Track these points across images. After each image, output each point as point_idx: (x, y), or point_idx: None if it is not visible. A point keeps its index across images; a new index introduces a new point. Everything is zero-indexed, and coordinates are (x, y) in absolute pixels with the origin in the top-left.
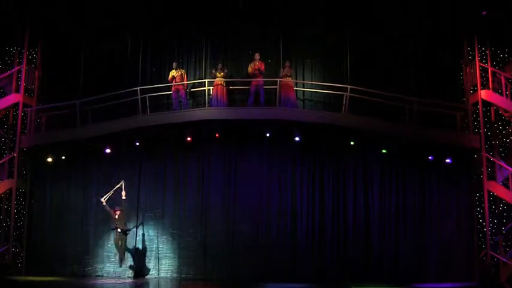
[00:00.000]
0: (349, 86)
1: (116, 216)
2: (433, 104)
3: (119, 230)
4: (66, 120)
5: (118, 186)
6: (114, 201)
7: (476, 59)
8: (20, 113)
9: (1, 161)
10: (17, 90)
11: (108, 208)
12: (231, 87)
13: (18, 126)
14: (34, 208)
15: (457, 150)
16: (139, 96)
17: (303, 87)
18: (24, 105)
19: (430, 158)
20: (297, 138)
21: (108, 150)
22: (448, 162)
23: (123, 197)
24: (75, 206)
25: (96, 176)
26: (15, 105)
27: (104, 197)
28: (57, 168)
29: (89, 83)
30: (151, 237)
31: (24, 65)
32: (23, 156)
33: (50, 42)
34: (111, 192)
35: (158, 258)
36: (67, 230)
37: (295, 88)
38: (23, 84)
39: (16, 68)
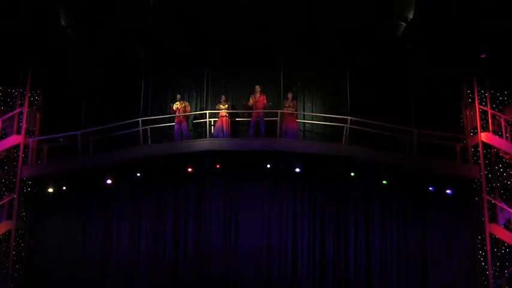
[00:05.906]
0: (349, 118)
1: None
2: (433, 134)
3: None
4: (68, 152)
5: None
6: None
7: (476, 101)
8: (20, 154)
9: (1, 202)
10: (18, 132)
11: None
12: (235, 119)
13: (19, 167)
14: (33, 249)
15: (457, 181)
16: (140, 128)
17: (304, 119)
18: (25, 147)
19: (430, 188)
20: (297, 170)
21: (109, 181)
22: (448, 194)
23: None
24: (75, 245)
25: (96, 210)
26: (16, 147)
27: None
28: (56, 205)
29: (90, 119)
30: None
31: (25, 107)
32: (23, 197)
33: (52, 81)
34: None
35: None
36: (66, 270)
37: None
38: (24, 125)
39: (17, 110)
